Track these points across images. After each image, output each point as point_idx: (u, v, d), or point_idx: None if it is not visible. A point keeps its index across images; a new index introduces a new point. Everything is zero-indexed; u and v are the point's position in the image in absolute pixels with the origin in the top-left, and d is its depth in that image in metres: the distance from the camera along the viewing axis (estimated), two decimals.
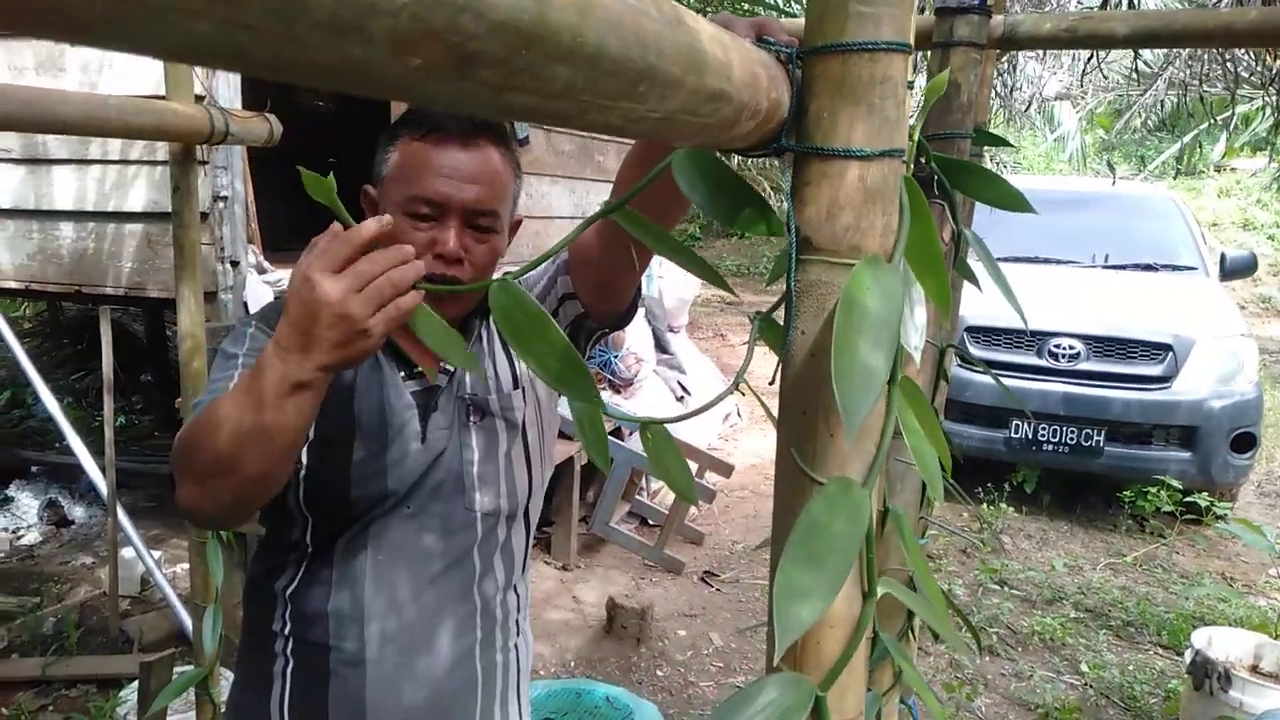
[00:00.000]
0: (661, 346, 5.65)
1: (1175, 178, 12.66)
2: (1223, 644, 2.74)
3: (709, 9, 6.68)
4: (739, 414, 6.19)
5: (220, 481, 0.91)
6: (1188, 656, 2.73)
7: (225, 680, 1.83)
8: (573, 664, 3.27)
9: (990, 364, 4.72)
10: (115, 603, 3.27)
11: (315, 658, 1.13)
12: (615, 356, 4.90)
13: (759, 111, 0.46)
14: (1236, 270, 5.47)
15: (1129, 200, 6.14)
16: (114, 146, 3.18)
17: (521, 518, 1.23)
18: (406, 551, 1.13)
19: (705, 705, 3.06)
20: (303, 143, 3.33)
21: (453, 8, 0.25)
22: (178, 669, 2.12)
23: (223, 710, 1.58)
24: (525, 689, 1.29)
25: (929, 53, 1.17)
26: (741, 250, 11.14)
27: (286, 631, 1.14)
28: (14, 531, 4.16)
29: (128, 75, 3.02)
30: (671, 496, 4.46)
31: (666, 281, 5.78)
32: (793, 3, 6.53)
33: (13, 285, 3.54)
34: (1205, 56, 5.59)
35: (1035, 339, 4.78)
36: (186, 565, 3.29)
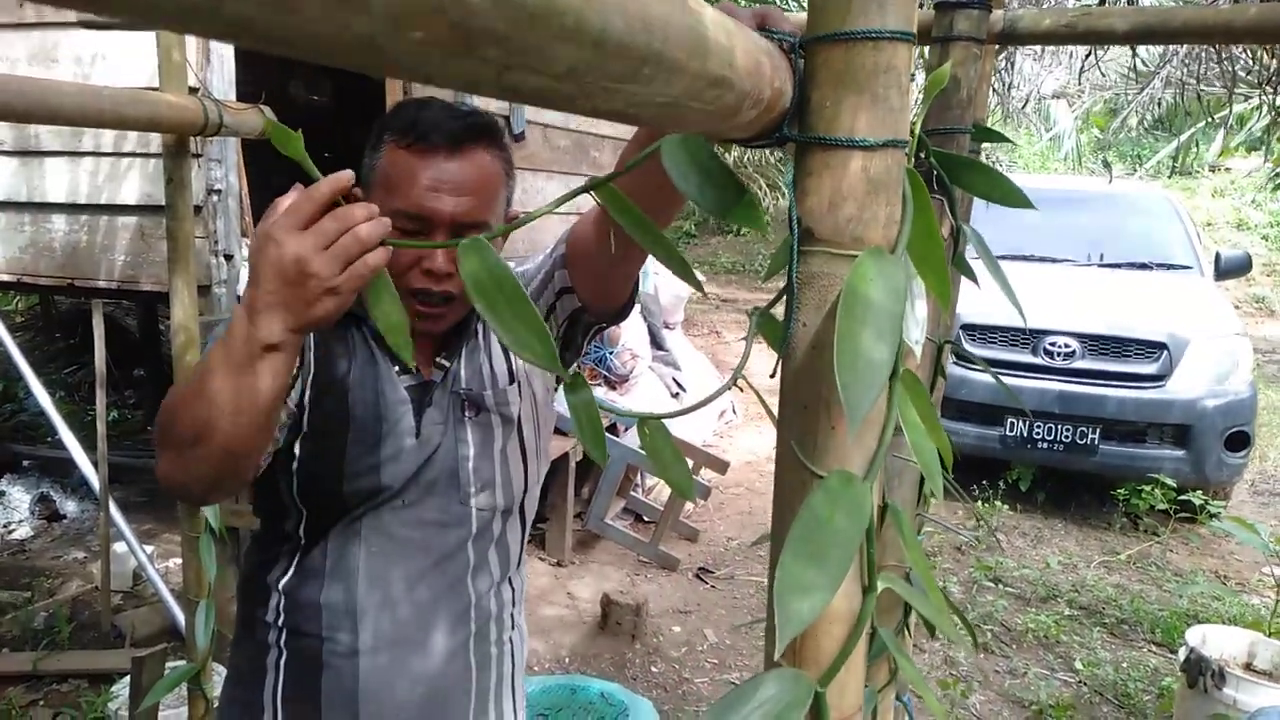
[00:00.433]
0: (657, 343, 5.65)
1: (1170, 177, 12.69)
2: (1217, 642, 2.74)
3: None
4: (734, 411, 6.19)
5: (194, 451, 0.89)
6: (1182, 654, 2.74)
7: (217, 675, 1.82)
8: (567, 660, 3.27)
9: (986, 362, 4.73)
10: (107, 598, 3.25)
11: (308, 649, 1.12)
12: (610, 353, 4.90)
13: (761, 100, 0.46)
14: (1231, 270, 5.49)
15: (1124, 199, 6.16)
16: (107, 139, 3.17)
17: (517, 512, 1.22)
18: (400, 545, 1.13)
19: (700, 701, 3.06)
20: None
21: None
22: (170, 664, 2.10)
23: (215, 704, 1.57)
24: (520, 682, 1.28)
25: (928, 49, 1.17)
26: (737, 248, 11.14)
27: (280, 623, 1.14)
28: (6, 526, 4.15)
29: (121, 68, 3.00)
30: (666, 493, 4.46)
31: (662, 278, 5.78)
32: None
33: (4, 278, 3.52)
34: (1203, 55, 5.60)
35: (1031, 337, 4.79)
36: (179, 560, 3.28)
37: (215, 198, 3.01)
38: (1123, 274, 5.38)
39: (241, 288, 3.10)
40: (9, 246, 3.42)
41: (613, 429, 4.23)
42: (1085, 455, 4.64)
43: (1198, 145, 11.93)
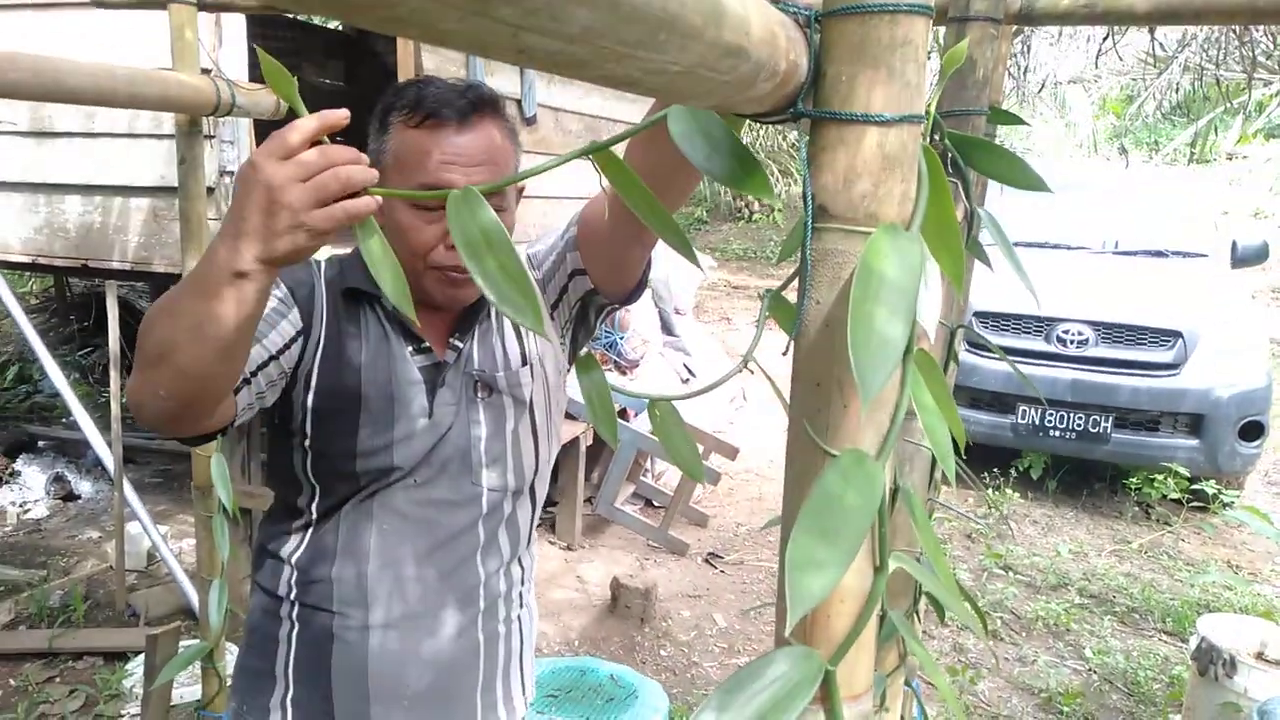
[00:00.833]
0: (667, 329, 5.64)
1: (1188, 164, 12.56)
2: (1228, 631, 2.73)
3: None
4: (744, 397, 6.18)
5: (157, 370, 0.86)
6: (1193, 643, 2.72)
7: (230, 654, 1.84)
8: (576, 643, 3.28)
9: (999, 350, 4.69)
10: (122, 577, 3.29)
11: (319, 623, 1.13)
12: (621, 338, 4.90)
13: (776, 72, 0.45)
14: (1248, 258, 5.43)
15: (1140, 186, 6.10)
16: (121, 120, 3.17)
17: (528, 493, 1.23)
18: (411, 523, 1.13)
19: (708, 685, 3.07)
20: None
21: None
22: (183, 642, 2.13)
23: (229, 678, 1.59)
24: (529, 660, 1.29)
25: (944, 30, 1.15)
26: (749, 234, 11.09)
27: (292, 596, 1.15)
28: (21, 505, 4.19)
29: (134, 50, 3.00)
30: (676, 479, 4.46)
31: (674, 264, 5.76)
32: None
33: (20, 259, 3.54)
34: (1222, 39, 5.53)
35: (1044, 324, 4.76)
36: (192, 540, 3.30)
37: (228, 179, 3.01)
38: (1138, 261, 5.33)
39: None
40: (24, 227, 3.44)
41: (623, 414, 4.23)
42: (1098, 444, 4.61)
43: (1215, 131, 11.81)
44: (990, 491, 4.72)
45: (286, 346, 1.06)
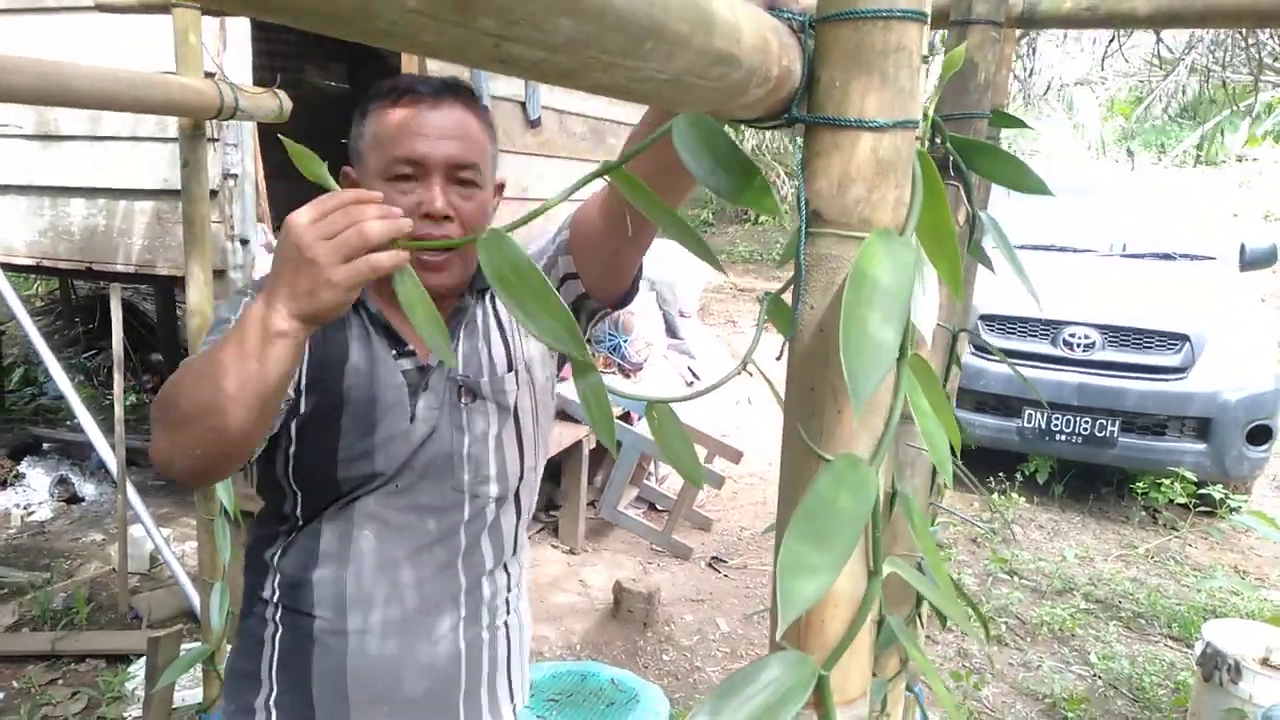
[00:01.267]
0: (672, 332, 5.63)
1: (1195, 166, 12.52)
2: (1234, 636, 2.72)
3: None
4: (749, 400, 6.17)
5: (188, 432, 0.89)
6: (1198, 648, 2.71)
7: None
8: (578, 647, 3.28)
9: (1004, 353, 4.68)
10: (124, 579, 3.29)
11: (301, 626, 1.14)
12: (625, 341, 4.89)
13: (769, 78, 0.45)
14: (1256, 261, 5.40)
15: (1148, 188, 6.08)
16: (125, 123, 3.18)
17: (512, 500, 1.22)
18: (393, 527, 1.13)
19: (711, 690, 3.06)
20: (312, 124, 3.32)
21: None
22: (185, 645, 2.13)
23: None
24: (519, 668, 1.28)
25: (945, 34, 1.15)
26: (755, 237, 11.08)
27: (275, 599, 1.16)
28: (25, 507, 4.20)
29: (137, 54, 3.01)
30: (679, 483, 4.46)
31: (680, 265, 5.76)
32: None
33: (25, 261, 3.55)
34: (1229, 41, 5.51)
35: (1050, 328, 4.74)
36: (195, 543, 3.30)
37: (231, 182, 3.02)
38: (1146, 264, 5.31)
39: (257, 273, 3.13)
40: (29, 230, 3.45)
41: (626, 417, 4.22)
42: (1104, 448, 4.59)
43: (1223, 134, 11.77)
44: (996, 496, 4.70)
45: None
